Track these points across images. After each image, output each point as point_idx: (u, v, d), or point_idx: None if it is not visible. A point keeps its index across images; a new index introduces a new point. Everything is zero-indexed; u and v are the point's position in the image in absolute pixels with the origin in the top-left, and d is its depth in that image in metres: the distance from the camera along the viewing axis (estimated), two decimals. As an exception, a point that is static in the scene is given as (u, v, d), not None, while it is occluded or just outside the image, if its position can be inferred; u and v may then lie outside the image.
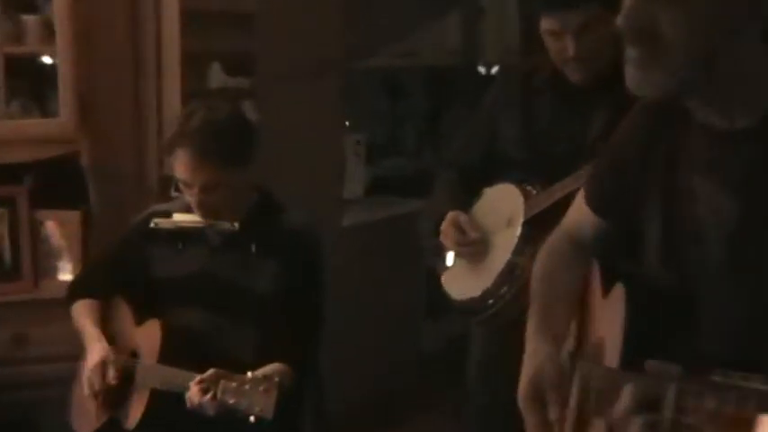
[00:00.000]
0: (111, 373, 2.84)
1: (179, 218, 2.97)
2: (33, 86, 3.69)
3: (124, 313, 3.07)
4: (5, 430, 3.50)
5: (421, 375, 5.19)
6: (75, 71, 3.57)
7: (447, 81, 6.38)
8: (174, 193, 3.00)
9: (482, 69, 6.54)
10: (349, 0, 4.87)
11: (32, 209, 3.72)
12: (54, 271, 3.75)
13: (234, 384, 2.58)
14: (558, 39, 2.61)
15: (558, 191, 2.59)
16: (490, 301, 2.69)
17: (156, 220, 2.98)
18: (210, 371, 2.64)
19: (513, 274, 2.64)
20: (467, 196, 2.89)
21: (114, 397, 2.92)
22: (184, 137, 2.83)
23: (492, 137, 2.89)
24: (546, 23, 2.62)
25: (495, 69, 6.48)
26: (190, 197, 2.88)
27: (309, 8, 4.54)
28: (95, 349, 2.90)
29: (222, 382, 2.59)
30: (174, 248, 3.02)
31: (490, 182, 2.86)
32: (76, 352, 3.04)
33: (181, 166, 2.84)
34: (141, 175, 3.80)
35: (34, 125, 3.63)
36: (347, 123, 5.19)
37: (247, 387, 2.56)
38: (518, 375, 1.84)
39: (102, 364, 2.85)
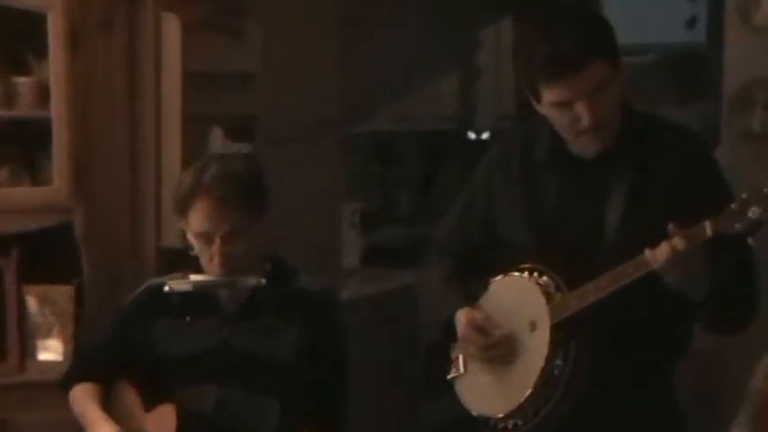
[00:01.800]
0: None
1: (196, 278, 2.92)
2: (24, 152, 3.71)
3: (130, 399, 2.99)
4: None
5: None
6: (70, 136, 3.59)
7: (441, 146, 6.49)
8: (191, 253, 2.98)
9: (477, 135, 6.67)
10: (347, 62, 4.97)
11: (20, 283, 3.69)
12: (43, 351, 3.71)
13: None
14: (568, 109, 2.47)
15: (591, 293, 2.44)
16: (527, 415, 2.51)
17: (171, 282, 2.94)
18: None
19: (549, 383, 2.46)
20: (464, 287, 2.76)
21: None
22: (202, 188, 2.84)
23: (489, 218, 2.75)
24: (551, 95, 2.48)
25: (486, 135, 6.63)
26: (209, 255, 2.87)
27: (311, 69, 4.66)
28: (104, 429, 2.85)
29: None
30: (182, 322, 2.97)
31: (489, 269, 2.71)
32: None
33: (200, 217, 2.84)
34: (138, 247, 3.83)
35: (24, 193, 3.65)
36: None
37: None
38: None
39: None
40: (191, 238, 2.92)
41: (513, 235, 2.67)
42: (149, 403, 2.95)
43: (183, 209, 2.89)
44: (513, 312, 2.59)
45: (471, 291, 2.73)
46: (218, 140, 4.13)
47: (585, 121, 2.45)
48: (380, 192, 6.15)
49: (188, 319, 2.97)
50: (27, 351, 3.68)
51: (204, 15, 4.07)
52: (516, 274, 2.60)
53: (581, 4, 2.85)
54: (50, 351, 3.68)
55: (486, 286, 2.69)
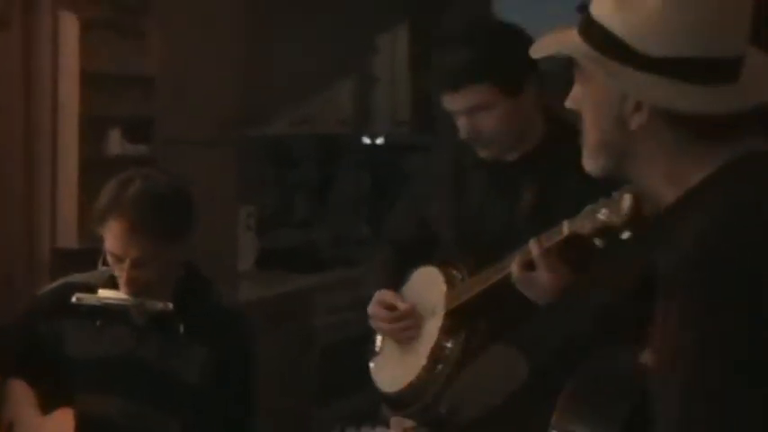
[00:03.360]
0: None
1: (105, 294, 2.83)
2: None
3: (27, 399, 2.88)
4: None
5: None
6: None
7: (337, 151, 6.55)
8: (101, 267, 2.88)
9: (372, 140, 6.74)
10: (247, 66, 5.00)
11: None
12: None
13: None
14: (457, 118, 2.60)
15: (477, 284, 2.55)
16: (422, 395, 2.63)
17: (79, 295, 2.82)
18: None
19: (436, 368, 2.58)
20: (402, 276, 2.85)
21: None
22: (119, 207, 2.73)
23: (425, 214, 2.86)
24: (443, 102, 2.61)
25: (380, 140, 6.70)
26: (118, 272, 2.77)
27: (209, 72, 4.69)
28: None
29: None
30: (92, 326, 2.87)
31: (425, 260, 2.80)
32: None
33: (113, 238, 2.73)
34: (33, 248, 3.80)
35: None
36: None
37: None
38: None
39: None
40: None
41: (440, 228, 2.79)
42: (48, 405, 2.85)
43: (98, 222, 2.81)
44: (421, 300, 2.71)
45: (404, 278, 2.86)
46: (115, 142, 4.15)
47: (463, 133, 2.56)
48: (276, 195, 6.15)
49: (99, 323, 2.89)
50: None
51: (103, 16, 4.10)
52: (431, 266, 2.71)
53: (479, 25, 2.90)
54: None
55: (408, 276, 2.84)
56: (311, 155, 6.42)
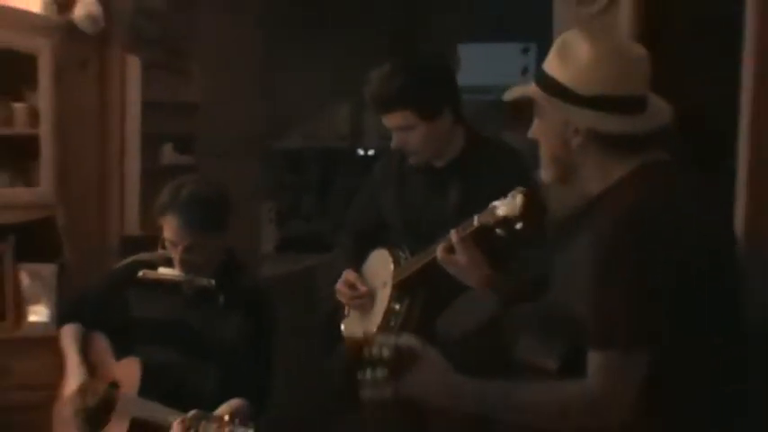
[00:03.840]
0: (90, 398, 2.78)
1: (163, 271, 2.90)
2: (19, 161, 3.66)
3: (104, 347, 2.96)
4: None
5: (328, 398, 5.07)
6: (54, 149, 3.56)
7: (336, 160, 6.46)
8: (160, 250, 2.92)
9: (364, 152, 6.65)
10: (267, 94, 4.99)
11: (16, 262, 3.64)
12: (33, 314, 3.64)
13: (214, 426, 2.50)
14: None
15: (416, 263, 2.57)
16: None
17: (145, 271, 2.90)
18: (193, 412, 2.54)
19: (389, 325, 2.61)
20: (361, 259, 2.87)
21: (95, 419, 2.80)
22: (174, 206, 2.79)
23: (376, 209, 2.86)
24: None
25: (372, 152, 6.58)
26: (174, 255, 2.83)
27: (238, 100, 4.65)
28: (75, 374, 2.83)
29: (203, 422, 2.52)
30: (154, 294, 2.93)
31: (380, 245, 2.82)
32: (54, 382, 2.95)
33: (169, 229, 2.80)
34: (105, 236, 3.76)
35: (19, 193, 3.59)
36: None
37: (226, 430, 2.48)
38: None
39: (81, 389, 2.79)
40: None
41: (389, 219, 2.80)
42: (119, 354, 2.90)
43: (159, 215, 2.84)
44: (375, 275, 2.75)
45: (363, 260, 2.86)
46: (168, 153, 4.13)
47: (394, 144, 2.60)
48: (290, 194, 6.10)
49: (159, 292, 2.90)
50: (21, 314, 3.63)
51: (158, 58, 4.05)
52: (383, 248, 2.75)
53: (434, 56, 2.85)
54: (38, 314, 3.63)
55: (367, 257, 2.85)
56: (317, 163, 6.40)
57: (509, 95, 2.00)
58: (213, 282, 2.84)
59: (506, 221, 2.18)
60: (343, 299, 2.81)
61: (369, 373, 1.88)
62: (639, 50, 1.90)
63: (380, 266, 2.74)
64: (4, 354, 3.45)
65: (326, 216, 6.11)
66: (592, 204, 1.90)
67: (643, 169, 1.85)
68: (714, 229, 1.87)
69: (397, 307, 2.62)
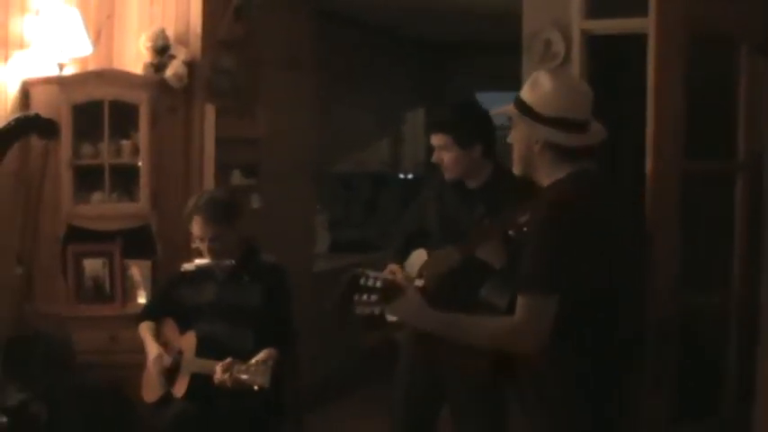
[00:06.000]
0: (166, 361, 2.96)
1: (197, 261, 3.10)
2: (125, 183, 3.81)
3: (172, 327, 3.13)
4: (107, 396, 3.51)
5: (361, 365, 5.18)
6: (150, 175, 3.76)
7: (380, 181, 6.59)
8: (193, 245, 3.10)
9: (403, 175, 6.75)
10: (321, 129, 5.09)
11: (123, 258, 3.81)
12: (135, 297, 3.83)
13: (243, 367, 2.73)
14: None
15: (442, 258, 2.61)
16: None
17: (185, 265, 3.14)
18: (228, 359, 2.77)
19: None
20: (407, 253, 2.87)
21: (169, 378, 3.01)
22: (198, 209, 2.97)
23: (421, 219, 2.92)
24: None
25: (410, 176, 6.62)
26: (202, 247, 3.00)
27: (296, 134, 4.72)
28: (153, 349, 3.01)
29: (236, 366, 2.73)
30: (197, 286, 3.08)
31: (423, 246, 2.82)
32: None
33: (196, 226, 2.98)
34: (187, 240, 3.58)
35: (126, 207, 3.80)
36: (318, 207, 5.41)
37: (252, 369, 2.70)
38: None
39: (159, 357, 2.98)
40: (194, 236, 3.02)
41: (430, 226, 2.85)
42: (182, 330, 3.06)
43: (188, 219, 3.01)
44: (413, 266, 2.79)
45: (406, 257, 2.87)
46: (237, 177, 4.20)
47: (434, 159, 2.73)
48: (341, 209, 6.21)
49: (199, 282, 3.05)
50: (126, 297, 3.80)
51: (229, 104, 4.12)
52: (421, 249, 2.80)
53: (461, 103, 2.91)
54: (140, 298, 3.80)
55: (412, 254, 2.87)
56: (364, 184, 6.51)
57: (495, 112, 2.17)
58: (233, 261, 2.97)
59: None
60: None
61: (365, 297, 1.99)
62: (586, 87, 2.03)
63: (418, 261, 2.78)
64: (115, 326, 3.65)
65: (371, 224, 6.21)
66: (540, 193, 2.01)
67: (578, 173, 1.97)
68: (620, 222, 1.99)
69: (420, 283, 2.65)
